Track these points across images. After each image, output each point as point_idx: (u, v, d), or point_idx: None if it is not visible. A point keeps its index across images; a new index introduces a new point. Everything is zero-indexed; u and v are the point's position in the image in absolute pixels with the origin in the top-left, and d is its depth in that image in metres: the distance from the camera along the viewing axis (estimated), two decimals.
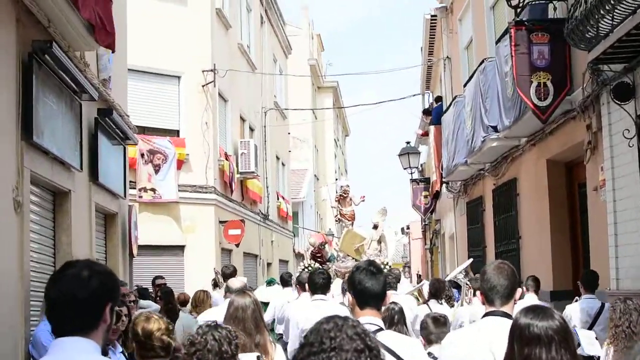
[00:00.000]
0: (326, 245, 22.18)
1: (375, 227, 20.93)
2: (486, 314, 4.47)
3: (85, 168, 10.36)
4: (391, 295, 8.29)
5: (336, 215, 22.22)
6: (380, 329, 4.32)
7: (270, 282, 16.49)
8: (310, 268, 18.28)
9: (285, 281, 14.89)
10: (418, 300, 11.80)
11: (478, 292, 4.85)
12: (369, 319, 4.37)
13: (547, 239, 12.41)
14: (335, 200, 22.12)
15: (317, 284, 8.02)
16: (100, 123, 11.14)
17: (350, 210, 21.87)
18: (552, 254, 12.29)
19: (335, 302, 9.03)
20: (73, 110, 9.63)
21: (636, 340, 5.65)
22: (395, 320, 7.15)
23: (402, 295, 10.73)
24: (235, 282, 8.69)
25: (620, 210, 9.23)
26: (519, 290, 4.59)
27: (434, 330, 6.67)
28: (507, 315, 4.31)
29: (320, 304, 7.80)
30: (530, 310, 3.59)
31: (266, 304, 13.39)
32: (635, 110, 8.62)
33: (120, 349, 6.48)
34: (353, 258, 20.32)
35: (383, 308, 6.67)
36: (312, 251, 21.31)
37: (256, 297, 6.34)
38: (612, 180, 9.40)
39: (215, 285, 14.52)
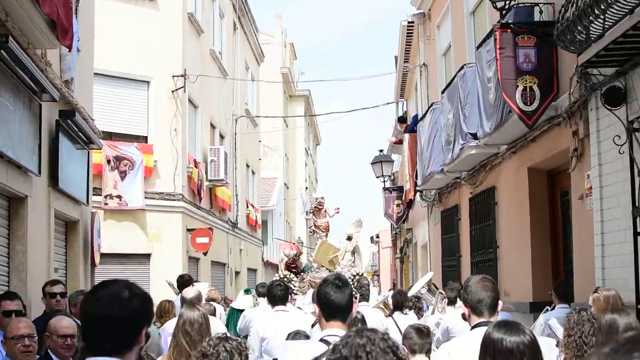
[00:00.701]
0: (301, 256, 22.50)
1: (350, 238, 21.28)
2: (476, 325, 4.71)
3: (44, 172, 9.78)
4: (358, 306, 8.62)
5: (310, 227, 22.62)
6: None
7: (247, 291, 16.42)
8: (285, 279, 18.65)
9: (260, 292, 14.60)
10: (384, 311, 11.63)
11: (463, 306, 5.00)
12: (335, 331, 4.47)
13: (527, 249, 12.02)
14: (310, 212, 22.45)
15: (276, 295, 8.38)
16: (62, 125, 10.56)
17: (324, 221, 22.28)
18: (532, 264, 11.89)
19: (297, 313, 9.51)
20: (32, 111, 9.06)
21: (586, 350, 5.83)
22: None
23: (372, 309, 10.88)
24: (190, 292, 8.96)
25: (608, 219, 8.82)
26: (500, 302, 4.91)
27: (418, 341, 6.66)
28: None
29: (281, 314, 8.24)
30: (503, 325, 3.83)
31: (242, 311, 13.30)
32: (627, 116, 8.22)
33: None
34: (327, 269, 20.63)
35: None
36: (286, 262, 21.57)
37: (205, 311, 6.66)
38: (599, 189, 8.99)
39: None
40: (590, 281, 9.11)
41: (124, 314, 2.99)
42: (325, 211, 22.45)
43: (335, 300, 4.58)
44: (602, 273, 8.87)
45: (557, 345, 5.92)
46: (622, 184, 8.42)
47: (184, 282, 12.50)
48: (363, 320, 7.40)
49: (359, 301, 10.19)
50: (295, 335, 6.52)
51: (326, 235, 22.31)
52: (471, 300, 4.78)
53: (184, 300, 8.35)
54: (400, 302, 10.72)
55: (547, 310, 9.23)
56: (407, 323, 8.44)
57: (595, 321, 6.01)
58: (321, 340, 4.50)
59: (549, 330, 8.14)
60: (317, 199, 22.94)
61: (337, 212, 23.22)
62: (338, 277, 4.80)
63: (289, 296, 8.92)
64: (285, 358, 4.92)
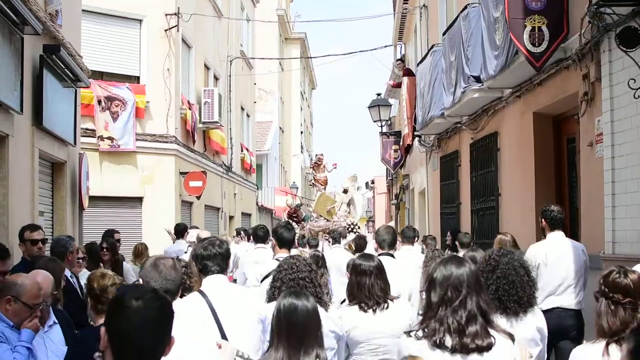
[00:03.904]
0: (302, 207, 24.58)
1: (345, 191, 23.50)
2: (380, 254, 7.42)
3: (27, 110, 9.28)
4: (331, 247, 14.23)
5: (311, 181, 25.16)
6: None
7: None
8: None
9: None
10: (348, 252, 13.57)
11: (374, 241, 8.46)
12: (283, 255, 7.20)
13: (531, 197, 11.63)
14: (310, 167, 24.63)
15: (259, 236, 10.47)
16: (47, 61, 10.01)
17: (323, 176, 25.14)
18: (537, 212, 11.46)
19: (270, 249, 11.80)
20: (12, 44, 8.52)
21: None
22: (320, 264, 9.07)
23: (342, 250, 13.78)
24: (203, 234, 11.96)
25: (620, 167, 8.40)
26: (398, 242, 8.76)
27: None
28: (392, 255, 7.79)
29: (260, 250, 10.21)
30: (362, 256, 5.99)
31: None
32: None
33: (53, 318, 5.76)
34: (325, 218, 21.56)
35: (310, 253, 9.85)
36: (288, 212, 23.18)
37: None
38: (610, 135, 8.55)
39: (174, 242, 14.03)
40: (599, 231, 8.74)
41: (222, 250, 5.21)
42: (324, 166, 25.02)
43: (285, 237, 7.80)
44: (612, 223, 8.47)
45: None
46: (636, 130, 7.99)
47: (181, 230, 13.88)
48: (323, 258, 9.54)
49: (332, 244, 14.68)
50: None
51: (324, 188, 24.53)
52: (378, 240, 7.93)
53: (199, 240, 9.29)
54: (361, 246, 13.08)
55: None
56: None
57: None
58: (275, 259, 7.46)
59: None
60: (317, 155, 25.22)
61: (335, 168, 26.12)
62: (288, 223, 8.11)
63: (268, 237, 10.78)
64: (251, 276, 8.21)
